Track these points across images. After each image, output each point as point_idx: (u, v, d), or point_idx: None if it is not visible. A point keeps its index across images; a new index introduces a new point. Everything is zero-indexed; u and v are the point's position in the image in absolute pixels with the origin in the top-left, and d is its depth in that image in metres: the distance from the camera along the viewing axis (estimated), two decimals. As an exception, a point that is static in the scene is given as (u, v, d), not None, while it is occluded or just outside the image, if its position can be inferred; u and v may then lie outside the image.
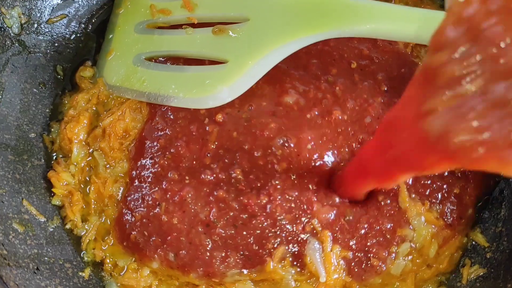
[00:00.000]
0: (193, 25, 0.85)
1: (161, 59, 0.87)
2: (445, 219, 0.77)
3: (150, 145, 0.82)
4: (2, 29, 0.85)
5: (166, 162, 0.80)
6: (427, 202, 0.77)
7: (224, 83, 0.77)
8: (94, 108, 0.88)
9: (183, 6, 0.85)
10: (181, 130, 0.81)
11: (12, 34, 0.87)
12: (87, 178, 0.85)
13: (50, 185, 0.85)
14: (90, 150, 0.86)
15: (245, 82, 0.77)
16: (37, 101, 0.89)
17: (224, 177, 0.78)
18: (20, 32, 0.88)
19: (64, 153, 0.88)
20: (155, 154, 0.81)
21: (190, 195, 0.77)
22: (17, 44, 0.87)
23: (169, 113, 0.83)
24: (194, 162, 0.79)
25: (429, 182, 0.78)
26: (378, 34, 0.75)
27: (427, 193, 0.77)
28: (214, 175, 0.78)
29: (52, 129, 0.90)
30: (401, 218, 0.76)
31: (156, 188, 0.79)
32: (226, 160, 0.79)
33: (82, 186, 0.85)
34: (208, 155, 0.79)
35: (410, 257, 0.76)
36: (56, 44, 0.93)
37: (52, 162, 0.87)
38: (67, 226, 0.83)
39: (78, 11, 0.96)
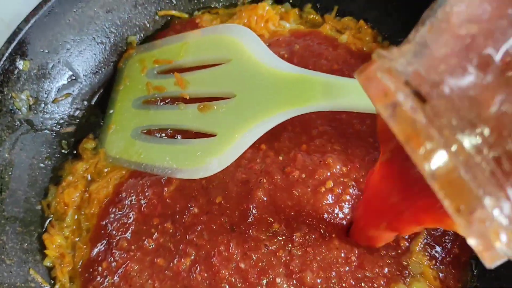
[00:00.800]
0: (185, 101, 0.90)
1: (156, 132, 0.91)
2: (441, 280, 0.75)
3: (110, 211, 0.84)
4: (12, 111, 0.89)
5: (117, 229, 0.81)
6: (432, 260, 0.75)
7: (213, 155, 0.81)
8: (90, 177, 0.92)
9: (176, 84, 0.91)
10: (136, 195, 0.83)
11: (21, 115, 0.90)
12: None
13: (44, 247, 0.87)
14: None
15: (233, 153, 0.81)
16: (43, 175, 0.93)
17: (162, 240, 0.77)
18: (28, 113, 0.91)
19: (58, 215, 0.90)
20: (110, 221, 0.83)
21: (136, 267, 0.76)
22: (25, 124, 0.91)
23: (134, 181, 0.86)
24: (144, 227, 0.79)
25: (437, 242, 0.76)
26: (358, 108, 0.78)
27: (433, 251, 0.76)
28: (156, 241, 0.77)
29: (49, 192, 0.92)
30: (397, 268, 0.74)
31: (102, 258, 0.79)
32: (169, 212, 0.79)
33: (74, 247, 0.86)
34: (158, 212, 0.79)
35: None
36: (61, 121, 0.97)
37: (46, 224, 0.89)
38: (56, 287, 0.84)
39: (82, 89, 1.00)
